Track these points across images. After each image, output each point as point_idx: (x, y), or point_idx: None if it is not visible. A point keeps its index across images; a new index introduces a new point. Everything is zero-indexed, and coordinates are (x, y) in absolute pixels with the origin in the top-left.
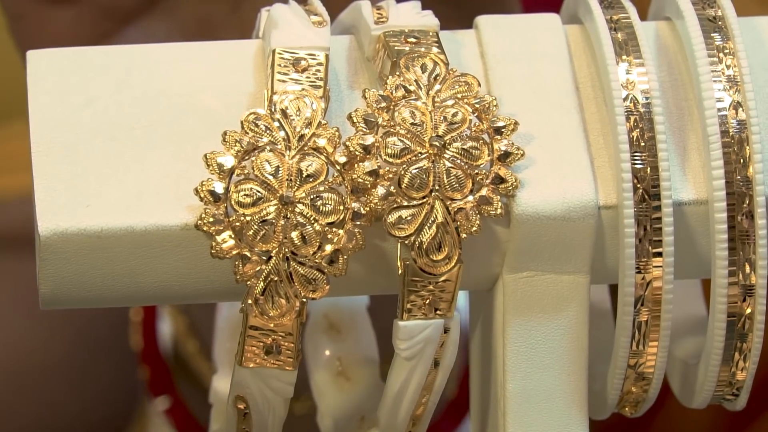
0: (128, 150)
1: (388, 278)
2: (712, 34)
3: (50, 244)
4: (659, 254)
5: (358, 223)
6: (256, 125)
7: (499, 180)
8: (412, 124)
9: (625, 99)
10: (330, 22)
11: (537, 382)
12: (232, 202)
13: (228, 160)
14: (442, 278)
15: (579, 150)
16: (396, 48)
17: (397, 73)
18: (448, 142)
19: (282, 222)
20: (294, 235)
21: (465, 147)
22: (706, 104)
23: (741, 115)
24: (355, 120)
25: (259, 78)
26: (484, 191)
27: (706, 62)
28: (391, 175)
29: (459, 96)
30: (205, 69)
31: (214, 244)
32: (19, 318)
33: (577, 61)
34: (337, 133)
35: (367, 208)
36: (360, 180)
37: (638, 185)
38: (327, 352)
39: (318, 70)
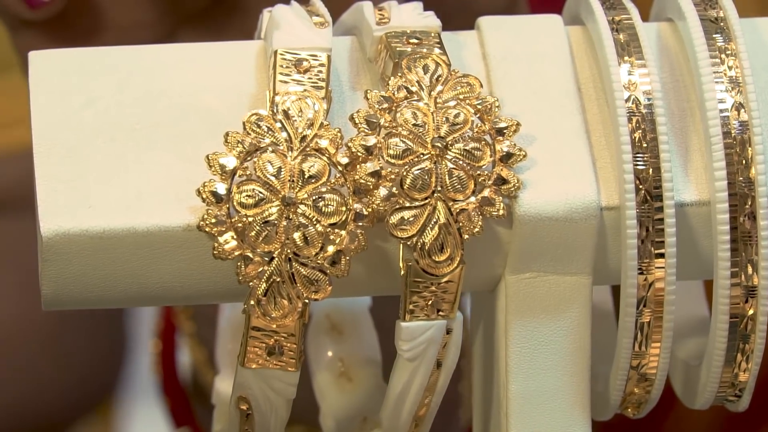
0: (130, 151)
1: (390, 279)
2: (714, 35)
3: (52, 245)
4: (661, 255)
5: (361, 224)
6: (258, 126)
7: (501, 181)
8: (414, 125)
9: (627, 100)
10: (332, 23)
11: (539, 383)
12: (235, 203)
13: (230, 161)
14: (445, 279)
15: (581, 151)
16: (398, 49)
17: (399, 74)
18: (450, 143)
19: (284, 223)
20: (296, 236)
21: (467, 148)
22: (708, 105)
23: (743, 116)
24: (357, 121)
25: (261, 79)
26: (486, 192)
27: (708, 63)
28: (393, 176)
29: (461, 97)
30: (206, 70)
31: (216, 245)
32: (10, 280)
33: (579, 62)
34: (339, 134)
35: (370, 209)
36: (362, 181)
37: (640, 186)
38: (329, 353)
39: (320, 71)
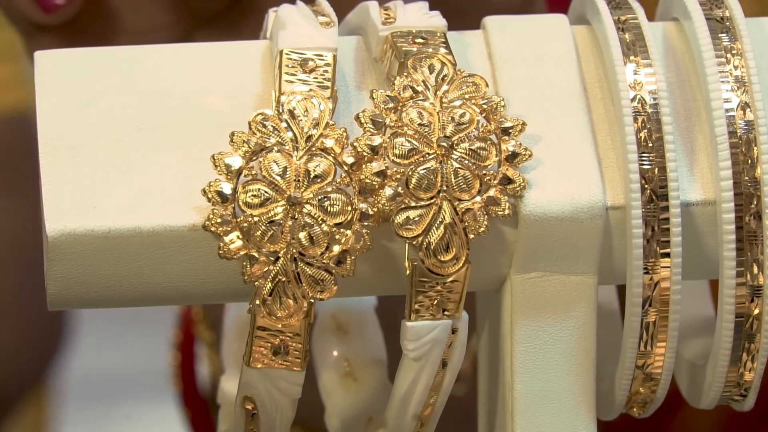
0: (135, 151)
1: (395, 279)
2: (720, 35)
3: (58, 245)
4: (667, 255)
5: (366, 223)
6: (264, 126)
7: (507, 181)
8: (419, 124)
9: (632, 100)
10: (337, 23)
11: (545, 383)
12: (240, 203)
13: (236, 161)
14: (450, 279)
15: (586, 151)
16: (403, 49)
17: (405, 74)
18: (455, 142)
19: (290, 223)
20: (302, 235)
21: (473, 148)
22: (714, 105)
23: (749, 115)
24: (362, 120)
25: (267, 79)
26: (491, 192)
27: (714, 63)
28: (398, 176)
29: (467, 97)
30: (212, 70)
31: (221, 244)
32: None
33: (585, 61)
34: (344, 134)
35: (375, 209)
36: (368, 180)
37: (646, 186)
38: (335, 353)
39: (326, 71)
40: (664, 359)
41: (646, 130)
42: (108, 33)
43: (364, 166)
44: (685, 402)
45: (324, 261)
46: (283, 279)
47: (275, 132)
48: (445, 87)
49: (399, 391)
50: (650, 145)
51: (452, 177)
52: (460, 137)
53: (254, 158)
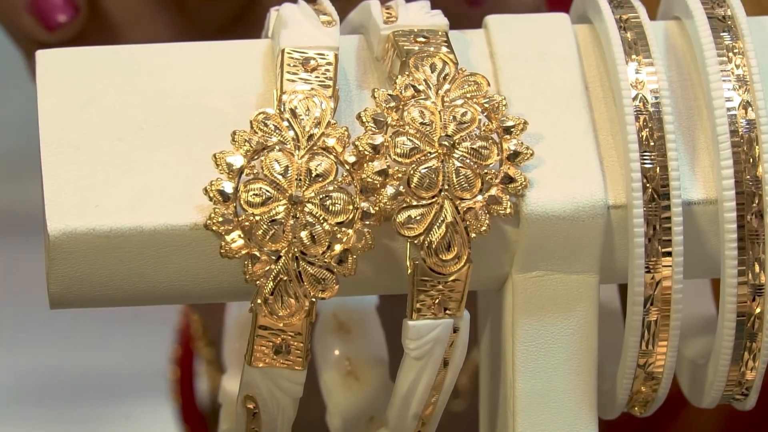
0: (136, 150)
1: (397, 278)
2: (722, 34)
3: (59, 244)
4: (668, 254)
5: (368, 222)
6: (266, 125)
7: (509, 180)
8: (421, 123)
9: (634, 98)
10: (339, 22)
11: (546, 382)
12: (242, 202)
13: (237, 160)
14: (452, 278)
15: (588, 150)
16: (405, 47)
17: (407, 73)
18: (457, 141)
19: (291, 221)
20: (303, 234)
21: (474, 146)
22: (716, 104)
23: (750, 114)
24: (364, 119)
25: (268, 78)
26: (493, 191)
27: (716, 62)
28: (400, 175)
29: (468, 95)
30: (213, 69)
31: (223, 243)
32: None
33: (587, 60)
34: (346, 133)
35: (377, 208)
36: (369, 179)
37: (647, 185)
38: (336, 352)
39: (327, 70)
40: (665, 358)
41: (647, 129)
42: None
43: (365, 165)
44: (686, 401)
45: (325, 260)
46: (285, 278)
47: (277, 131)
48: (446, 86)
49: (400, 391)
50: (652, 144)
51: (454, 176)
52: (461, 136)
53: (256, 157)
